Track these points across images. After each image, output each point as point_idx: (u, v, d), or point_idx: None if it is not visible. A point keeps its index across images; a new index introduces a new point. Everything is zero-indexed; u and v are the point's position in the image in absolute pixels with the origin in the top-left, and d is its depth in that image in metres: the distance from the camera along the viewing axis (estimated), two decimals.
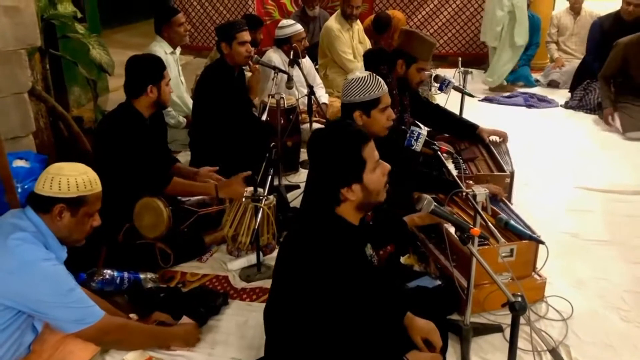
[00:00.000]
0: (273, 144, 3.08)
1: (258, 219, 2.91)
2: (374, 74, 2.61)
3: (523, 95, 6.08)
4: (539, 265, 2.77)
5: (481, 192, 2.35)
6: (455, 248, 2.65)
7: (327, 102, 5.07)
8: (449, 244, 2.53)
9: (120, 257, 2.89)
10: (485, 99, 6.04)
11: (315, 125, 4.57)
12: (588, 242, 3.36)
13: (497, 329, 2.62)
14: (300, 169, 4.42)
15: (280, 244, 1.94)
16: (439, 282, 2.70)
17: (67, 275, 2.11)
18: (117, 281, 2.72)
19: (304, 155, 4.53)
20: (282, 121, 3.92)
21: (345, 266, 1.70)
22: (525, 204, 3.67)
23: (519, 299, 1.97)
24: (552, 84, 6.45)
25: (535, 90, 6.34)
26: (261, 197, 2.91)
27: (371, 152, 1.77)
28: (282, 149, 3.89)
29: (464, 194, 2.36)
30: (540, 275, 2.81)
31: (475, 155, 3.68)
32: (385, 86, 2.62)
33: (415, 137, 2.74)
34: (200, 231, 3.26)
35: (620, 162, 4.49)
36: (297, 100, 4.43)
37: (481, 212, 2.30)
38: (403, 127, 2.84)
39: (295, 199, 3.84)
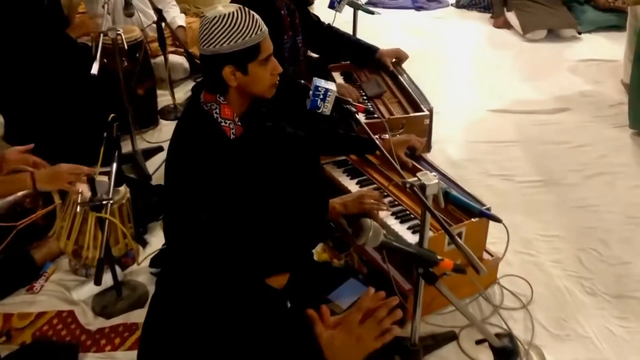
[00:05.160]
0: (113, 116, 2.05)
1: (105, 232, 1.95)
2: (246, 9, 1.73)
3: None
4: (498, 249, 2.16)
5: (431, 180, 1.58)
6: None
7: (183, 24, 3.97)
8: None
9: None
10: (369, 3, 5.17)
11: (173, 59, 3.68)
12: (522, 186, 2.83)
13: (450, 337, 1.99)
14: (161, 120, 3.45)
15: None
16: (368, 288, 1.96)
17: None
18: None
19: (162, 101, 3.55)
20: (126, 63, 2.97)
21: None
22: (440, 142, 3.05)
23: (507, 340, 1.31)
24: None
25: None
26: (104, 202, 1.93)
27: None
28: (130, 101, 2.93)
29: (407, 185, 1.56)
30: (491, 254, 2.21)
31: (382, 90, 2.92)
32: (264, 26, 1.75)
33: (321, 96, 1.88)
34: (25, 246, 2.24)
35: (526, 72, 3.96)
36: (143, 30, 3.34)
37: (433, 211, 1.55)
38: (301, 81, 1.94)
39: (158, 168, 2.93)
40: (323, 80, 1.92)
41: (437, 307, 2.09)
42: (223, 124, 1.78)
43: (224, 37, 1.70)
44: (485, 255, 2.18)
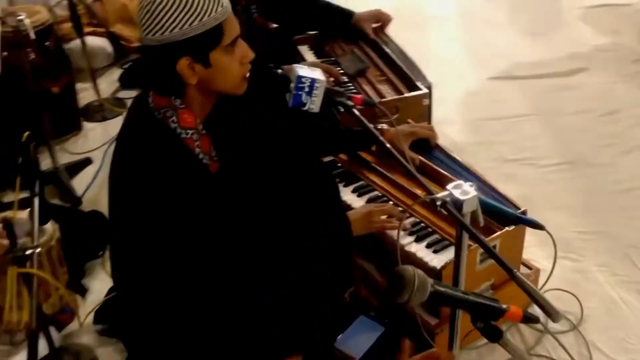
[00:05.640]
0: (28, 134, 1.83)
1: (33, 291, 1.73)
2: None
3: None
4: (530, 256, 2.12)
5: (468, 194, 1.42)
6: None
7: None
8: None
9: None
10: None
11: (92, 42, 3.46)
12: (546, 171, 2.74)
13: None
14: (85, 123, 3.24)
15: None
16: (382, 329, 1.92)
17: None
18: None
19: (84, 98, 3.35)
20: (33, 55, 2.76)
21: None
22: (439, 124, 2.83)
23: None
24: None
25: None
26: (28, 252, 1.71)
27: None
28: (44, 104, 2.72)
29: (437, 202, 1.41)
30: (528, 265, 2.13)
31: (364, 65, 2.73)
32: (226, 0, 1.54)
33: (306, 88, 1.68)
34: None
35: (526, 24, 3.87)
36: (51, 9, 3.21)
37: (479, 236, 1.40)
38: (278, 70, 1.74)
39: (89, 186, 2.76)
40: (306, 68, 1.72)
41: (469, 341, 1.97)
42: (184, 135, 1.58)
43: (175, 20, 1.49)
44: (523, 269, 2.08)
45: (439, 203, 1.42)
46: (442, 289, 1.15)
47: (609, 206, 2.49)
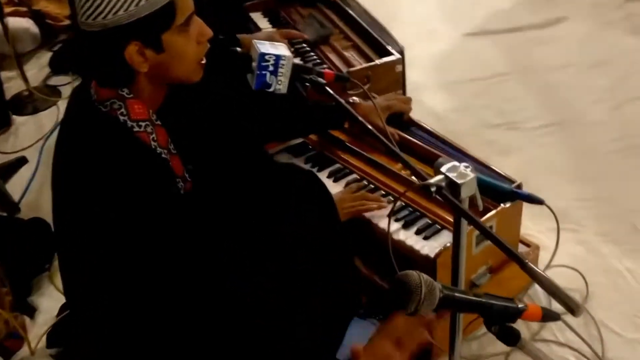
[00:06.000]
0: None
1: None
2: None
3: None
4: (527, 230, 2.11)
5: (465, 177, 1.38)
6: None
7: None
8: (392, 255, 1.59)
9: None
10: None
11: (15, 24, 3.34)
12: (535, 135, 2.73)
13: None
14: (15, 117, 3.15)
15: None
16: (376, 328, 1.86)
17: None
18: None
19: (11, 88, 3.26)
20: None
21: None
22: (413, 91, 2.80)
23: None
24: None
25: None
26: None
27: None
28: None
29: (431, 188, 1.36)
30: (526, 243, 2.11)
31: (327, 31, 2.67)
32: None
33: (271, 67, 1.60)
34: None
35: None
36: None
37: (476, 219, 1.35)
38: (237, 48, 1.65)
39: (27, 189, 2.70)
40: (267, 43, 1.64)
41: (470, 331, 1.97)
42: (136, 128, 1.50)
43: (119, 1, 1.39)
44: (521, 247, 2.07)
45: (433, 189, 1.36)
46: (453, 294, 1.09)
47: (606, 168, 2.49)
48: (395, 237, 1.85)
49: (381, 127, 1.94)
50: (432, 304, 1.06)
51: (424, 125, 2.21)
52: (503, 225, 1.87)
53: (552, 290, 1.19)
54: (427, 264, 1.74)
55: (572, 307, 1.18)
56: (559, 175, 2.48)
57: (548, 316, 1.16)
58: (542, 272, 1.21)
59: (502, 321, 1.12)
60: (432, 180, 1.36)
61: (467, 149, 2.10)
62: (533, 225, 2.20)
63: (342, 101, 1.63)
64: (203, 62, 1.54)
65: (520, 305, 1.12)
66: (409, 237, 1.84)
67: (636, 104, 2.75)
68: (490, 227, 1.83)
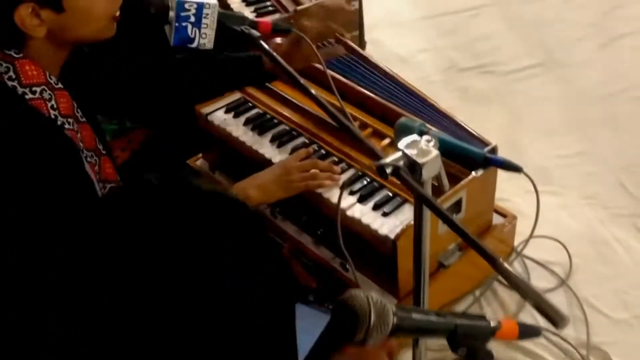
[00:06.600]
0: None
1: None
2: None
3: None
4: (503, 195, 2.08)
5: (427, 154, 1.33)
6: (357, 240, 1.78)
7: None
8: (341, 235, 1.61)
9: None
10: None
11: None
12: (512, 79, 2.77)
13: None
14: None
15: None
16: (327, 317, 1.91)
17: None
18: None
19: None
20: None
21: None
22: (372, 29, 2.81)
23: None
24: None
25: None
26: None
27: None
28: None
29: (387, 169, 1.31)
30: (502, 213, 2.07)
31: None
32: None
33: (192, 18, 1.55)
34: None
35: None
36: None
37: (436, 205, 1.31)
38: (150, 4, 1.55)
39: None
40: None
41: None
42: (30, 95, 1.41)
43: None
44: (496, 219, 2.02)
45: (389, 170, 1.29)
46: (410, 316, 1.01)
47: (592, 117, 2.49)
48: (349, 213, 1.78)
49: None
50: (384, 330, 0.98)
51: (385, 68, 2.12)
52: (474, 196, 1.84)
53: (534, 299, 1.13)
54: (386, 246, 1.70)
55: (556, 319, 1.12)
56: (540, 126, 2.47)
57: (526, 333, 1.10)
58: (518, 276, 1.14)
59: (475, 342, 1.06)
60: (387, 160, 1.29)
61: (434, 100, 2.03)
62: (510, 188, 2.16)
63: (283, 62, 1.53)
64: (117, 15, 1.46)
65: (492, 324, 1.05)
66: (365, 214, 1.77)
67: (623, 41, 2.74)
68: (460, 199, 1.80)
